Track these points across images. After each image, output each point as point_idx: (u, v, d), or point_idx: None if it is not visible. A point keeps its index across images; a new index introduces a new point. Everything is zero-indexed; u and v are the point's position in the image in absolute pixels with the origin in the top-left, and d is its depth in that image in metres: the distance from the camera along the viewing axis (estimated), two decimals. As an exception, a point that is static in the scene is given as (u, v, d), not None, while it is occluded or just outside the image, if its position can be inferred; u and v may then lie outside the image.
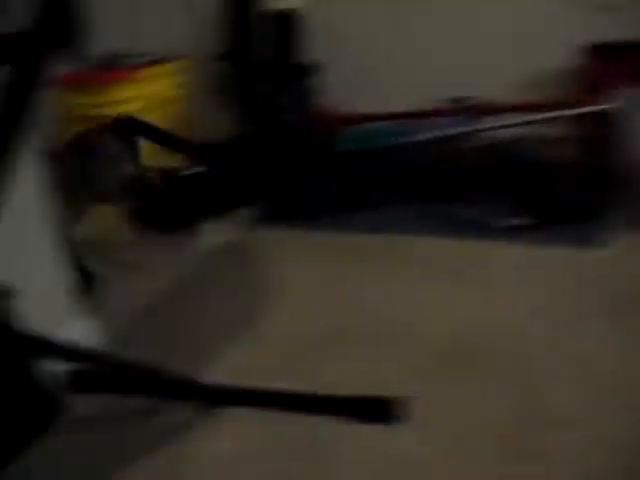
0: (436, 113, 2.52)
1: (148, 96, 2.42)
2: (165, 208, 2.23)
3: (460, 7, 2.60)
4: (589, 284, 1.71)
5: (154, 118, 2.41)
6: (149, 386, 1.34)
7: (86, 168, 2.16)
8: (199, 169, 2.31)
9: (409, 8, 2.65)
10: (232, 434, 1.28)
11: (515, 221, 2.06)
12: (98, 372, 1.30)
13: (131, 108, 2.34)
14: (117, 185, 2.18)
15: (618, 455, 1.14)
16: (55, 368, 1.22)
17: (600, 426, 1.22)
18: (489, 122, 2.50)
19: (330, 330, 1.57)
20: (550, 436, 1.20)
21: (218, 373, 1.43)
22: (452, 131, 2.44)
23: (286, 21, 2.68)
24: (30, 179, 1.37)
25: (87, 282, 1.67)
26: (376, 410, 1.19)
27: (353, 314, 1.64)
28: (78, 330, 1.45)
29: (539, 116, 2.42)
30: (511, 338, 1.51)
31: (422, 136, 2.45)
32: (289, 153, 2.31)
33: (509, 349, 1.47)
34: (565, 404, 1.29)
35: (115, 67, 2.38)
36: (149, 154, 2.32)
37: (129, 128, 2.13)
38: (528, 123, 2.49)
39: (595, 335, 1.50)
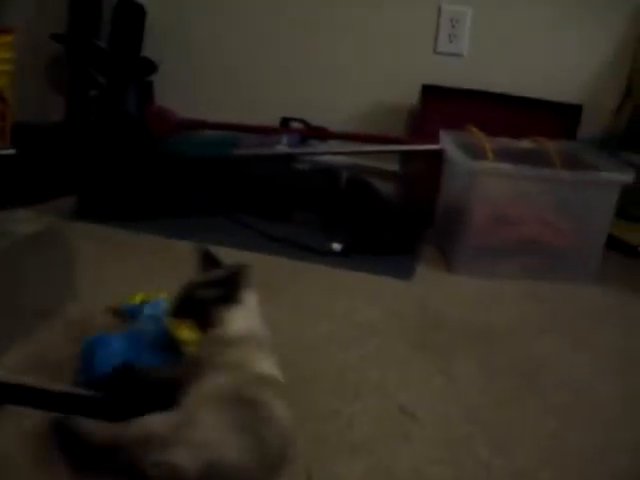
0: (271, 130, 2.54)
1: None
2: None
3: (313, 35, 2.63)
4: (395, 311, 1.76)
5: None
6: None
7: None
8: (12, 151, 2.18)
9: (271, 27, 2.66)
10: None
11: (335, 246, 2.08)
12: None
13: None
14: None
15: None
16: None
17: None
18: (319, 147, 2.55)
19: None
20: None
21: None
22: (282, 150, 2.47)
23: (131, 13, 2.60)
24: None
25: None
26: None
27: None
28: None
29: (369, 148, 2.50)
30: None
31: (252, 151, 2.45)
32: (115, 148, 2.22)
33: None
34: (367, 427, 1.31)
35: None
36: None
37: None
38: (358, 153, 2.56)
39: (398, 360, 1.55)
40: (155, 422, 1.04)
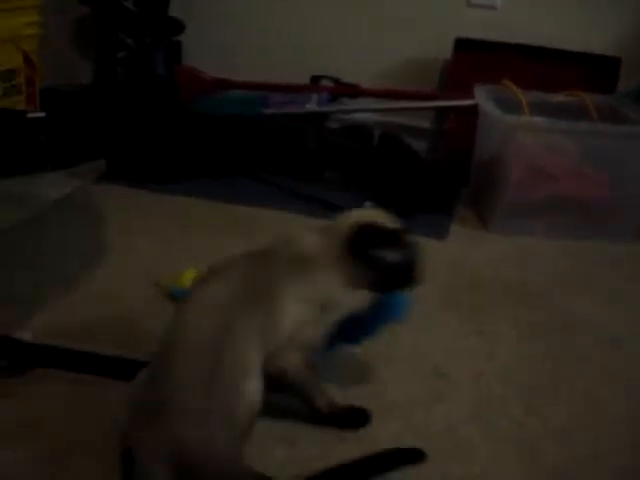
0: (301, 88, 2.50)
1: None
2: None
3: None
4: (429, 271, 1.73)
5: (2, 55, 2.25)
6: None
7: None
8: (41, 114, 2.17)
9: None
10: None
11: (368, 205, 2.05)
12: None
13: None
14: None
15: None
16: None
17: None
18: (350, 104, 2.51)
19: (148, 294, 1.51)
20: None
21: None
22: (313, 108, 2.43)
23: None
24: None
25: None
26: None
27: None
28: None
29: (401, 105, 2.45)
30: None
31: (282, 110, 2.42)
32: (144, 110, 2.21)
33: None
34: (401, 388, 1.30)
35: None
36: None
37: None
38: (390, 110, 2.52)
39: (432, 319, 1.53)
40: None
